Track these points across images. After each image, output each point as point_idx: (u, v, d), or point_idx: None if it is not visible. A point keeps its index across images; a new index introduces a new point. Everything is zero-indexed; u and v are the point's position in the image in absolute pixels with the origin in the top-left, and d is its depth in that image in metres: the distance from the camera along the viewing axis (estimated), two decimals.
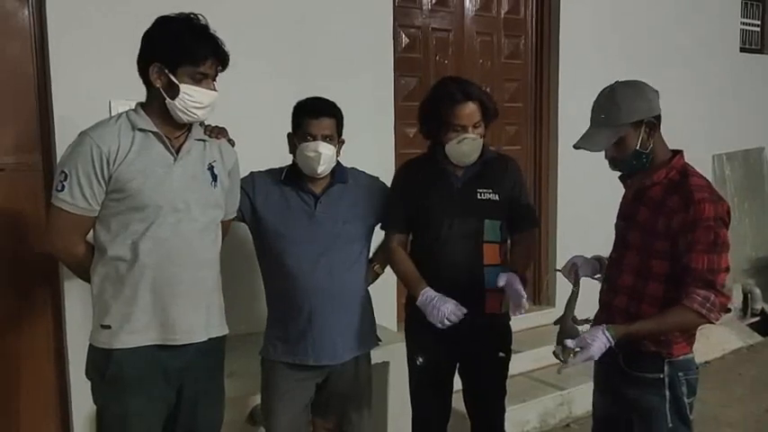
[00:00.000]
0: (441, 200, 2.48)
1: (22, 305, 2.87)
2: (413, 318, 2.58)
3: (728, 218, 2.02)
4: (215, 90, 2.02)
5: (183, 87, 1.95)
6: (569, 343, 2.00)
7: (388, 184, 2.69)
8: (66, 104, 2.73)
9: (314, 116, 2.36)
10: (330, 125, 2.39)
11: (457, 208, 2.47)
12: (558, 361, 2.03)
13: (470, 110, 2.40)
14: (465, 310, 2.33)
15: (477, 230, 2.48)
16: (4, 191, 2.78)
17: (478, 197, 2.48)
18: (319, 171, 2.37)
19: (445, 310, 2.32)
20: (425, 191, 2.51)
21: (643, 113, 2.04)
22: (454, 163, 2.48)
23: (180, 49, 1.95)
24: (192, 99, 1.96)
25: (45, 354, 2.92)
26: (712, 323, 1.99)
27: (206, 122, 2.21)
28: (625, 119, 2.03)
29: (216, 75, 2.03)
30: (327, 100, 2.43)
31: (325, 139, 2.36)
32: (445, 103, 2.42)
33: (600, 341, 1.96)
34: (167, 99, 1.96)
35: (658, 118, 2.08)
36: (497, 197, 2.49)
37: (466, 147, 2.42)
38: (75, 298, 2.78)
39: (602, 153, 2.13)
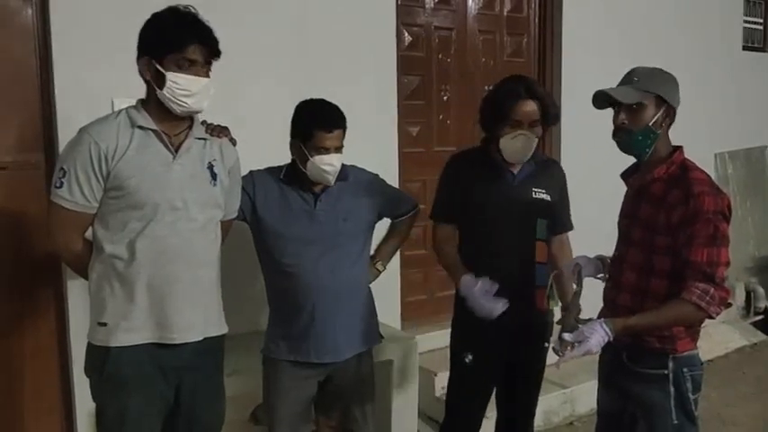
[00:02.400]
0: (498, 196, 2.51)
1: (25, 304, 2.87)
2: (461, 314, 2.58)
3: (729, 212, 2.01)
4: (205, 77, 1.98)
5: (169, 75, 1.93)
6: (567, 336, 1.99)
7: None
8: (68, 103, 2.73)
9: (328, 130, 2.34)
10: (341, 135, 2.38)
11: (514, 205, 2.51)
12: (557, 355, 2.03)
13: (530, 107, 2.42)
14: (506, 305, 2.30)
15: (531, 228, 2.53)
16: (6, 190, 2.77)
17: (534, 196, 2.52)
18: (332, 182, 2.38)
19: (488, 306, 2.30)
20: (481, 185, 2.54)
21: (669, 95, 2.08)
22: (506, 159, 2.49)
23: (163, 38, 1.94)
24: (178, 86, 1.94)
25: (48, 352, 2.92)
26: (712, 317, 1.97)
27: (208, 121, 2.20)
28: (654, 88, 2.06)
29: (205, 62, 1.99)
30: (335, 107, 2.40)
31: (337, 150, 2.37)
32: (507, 99, 2.44)
33: (598, 334, 1.95)
34: (157, 90, 1.96)
35: (675, 114, 2.11)
36: (549, 198, 2.55)
37: (520, 143, 2.43)
38: (78, 296, 2.78)
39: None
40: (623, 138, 2.10)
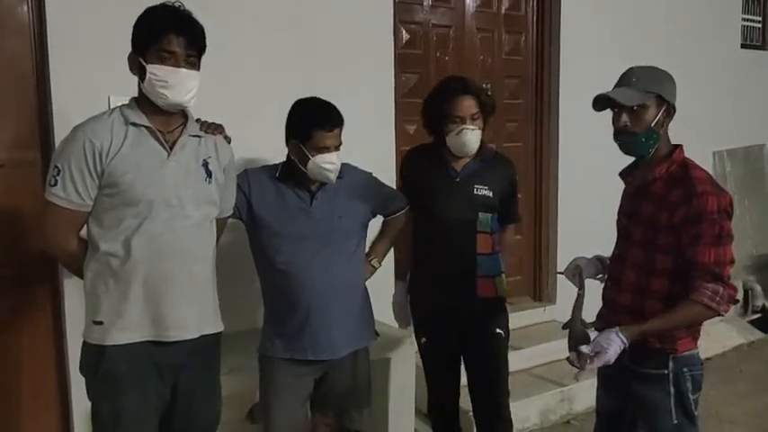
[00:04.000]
0: (441, 191, 2.67)
1: (22, 302, 2.86)
2: (413, 299, 2.81)
3: (731, 209, 2.01)
4: (187, 68, 1.95)
5: (149, 68, 1.93)
6: (585, 349, 1.99)
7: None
8: (65, 100, 2.72)
9: (328, 129, 2.34)
10: (339, 133, 2.39)
11: (455, 200, 2.66)
12: (574, 367, 2.02)
13: (468, 102, 2.60)
14: (407, 321, 2.84)
15: (472, 222, 2.67)
16: (3, 187, 2.76)
17: (475, 192, 2.67)
18: (334, 180, 2.39)
19: (394, 306, 2.85)
20: (426, 181, 2.71)
21: (668, 94, 2.08)
22: (455, 154, 2.66)
23: (144, 31, 1.94)
24: (155, 78, 1.93)
25: (45, 351, 2.91)
26: (721, 315, 1.99)
27: (203, 119, 2.20)
28: (654, 88, 2.06)
29: (187, 54, 1.96)
30: (332, 105, 2.39)
31: (337, 148, 2.37)
32: (445, 97, 2.63)
33: (615, 344, 1.95)
34: (141, 85, 1.95)
35: (675, 111, 2.11)
36: (491, 194, 2.69)
37: (465, 137, 2.59)
38: (75, 295, 2.76)
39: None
40: (626, 140, 2.09)
